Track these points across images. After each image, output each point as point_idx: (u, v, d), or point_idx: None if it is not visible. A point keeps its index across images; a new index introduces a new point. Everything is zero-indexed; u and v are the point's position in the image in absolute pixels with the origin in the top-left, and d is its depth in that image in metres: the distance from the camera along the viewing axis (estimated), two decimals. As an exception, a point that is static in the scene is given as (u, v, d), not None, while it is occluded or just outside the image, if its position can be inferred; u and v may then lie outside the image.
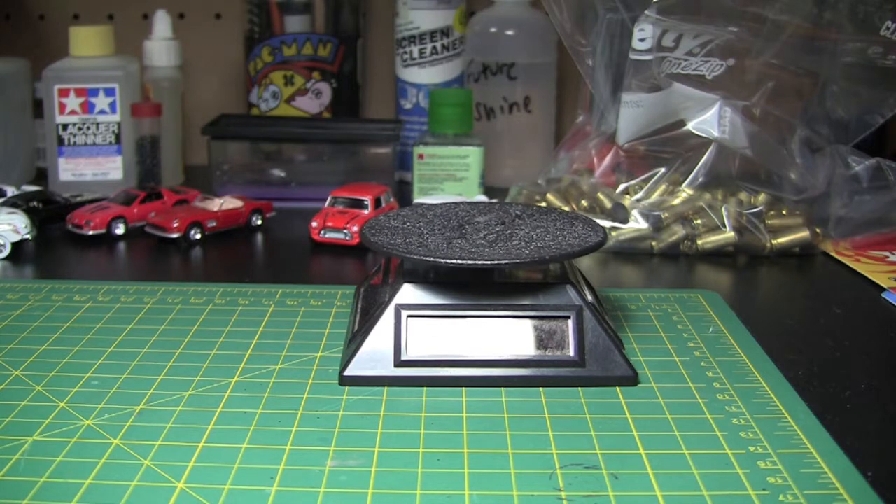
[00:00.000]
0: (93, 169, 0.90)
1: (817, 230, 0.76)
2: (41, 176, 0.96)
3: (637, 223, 0.75)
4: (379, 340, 0.51)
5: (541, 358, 0.50)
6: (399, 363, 0.50)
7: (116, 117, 0.89)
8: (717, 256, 0.75)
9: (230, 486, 0.41)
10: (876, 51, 0.76)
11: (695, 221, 0.75)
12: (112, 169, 0.90)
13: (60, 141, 0.89)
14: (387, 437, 0.45)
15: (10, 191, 0.82)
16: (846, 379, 0.53)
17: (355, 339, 0.52)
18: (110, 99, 0.89)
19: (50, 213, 0.80)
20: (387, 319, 0.51)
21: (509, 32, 0.94)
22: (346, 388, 0.50)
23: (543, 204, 0.80)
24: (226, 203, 0.80)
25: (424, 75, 0.96)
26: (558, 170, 0.85)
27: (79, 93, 0.88)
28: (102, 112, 0.89)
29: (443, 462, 0.43)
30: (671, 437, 0.45)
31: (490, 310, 0.51)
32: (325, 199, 0.80)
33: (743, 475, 0.42)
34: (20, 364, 0.53)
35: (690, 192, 0.77)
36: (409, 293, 0.52)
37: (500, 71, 0.93)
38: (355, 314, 0.57)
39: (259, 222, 0.82)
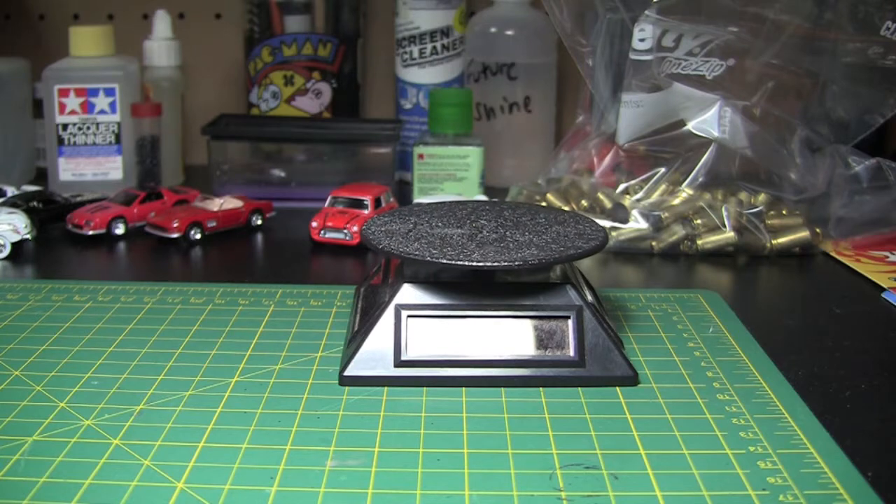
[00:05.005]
0: (93, 169, 0.90)
1: (817, 230, 0.76)
2: (41, 176, 0.96)
3: (637, 223, 0.75)
4: (379, 340, 0.51)
5: (541, 358, 0.50)
6: (399, 363, 0.50)
7: (116, 117, 0.89)
8: (717, 256, 0.75)
9: (230, 486, 0.41)
10: (876, 51, 0.76)
11: (695, 221, 0.75)
12: (112, 169, 0.90)
13: (60, 141, 0.89)
14: (387, 437, 0.45)
15: (10, 191, 0.82)
16: (846, 379, 0.53)
17: (355, 339, 0.52)
18: (110, 99, 0.89)
19: (50, 213, 0.80)
20: (387, 319, 0.51)
21: (509, 32, 0.94)
22: (346, 388, 0.50)
23: (543, 204, 0.80)
24: (226, 203, 0.80)
25: (424, 75, 0.96)
26: (558, 170, 0.85)
27: (79, 93, 0.88)
28: (102, 112, 0.89)
29: (443, 462, 0.43)
30: (671, 437, 0.45)
31: (490, 310, 0.51)
32: (325, 199, 0.80)
33: (743, 475, 0.42)
34: (20, 364, 0.53)
35: (690, 192, 0.77)
36: (409, 293, 0.52)
37: (500, 71, 0.93)
38: (355, 314, 0.57)
39: (259, 222, 0.82)
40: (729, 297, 0.65)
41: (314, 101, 0.98)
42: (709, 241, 0.75)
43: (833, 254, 0.75)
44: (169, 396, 0.49)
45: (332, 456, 0.43)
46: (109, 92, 0.89)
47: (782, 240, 0.75)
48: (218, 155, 0.90)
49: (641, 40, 0.77)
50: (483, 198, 0.82)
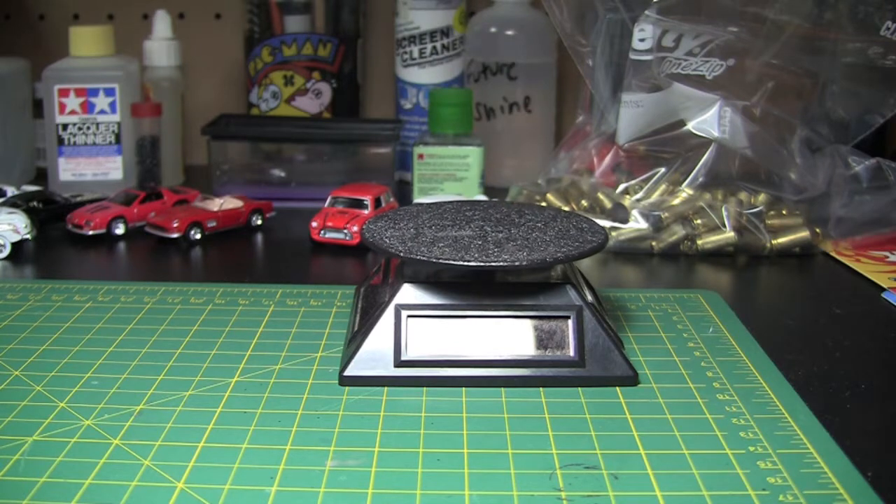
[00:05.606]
0: (93, 169, 0.90)
1: (817, 230, 0.76)
2: (41, 176, 0.96)
3: (637, 223, 0.75)
4: (379, 340, 0.51)
5: (541, 358, 0.50)
6: (399, 363, 0.50)
7: (116, 117, 0.89)
8: (717, 256, 0.75)
9: (230, 486, 0.41)
10: (876, 51, 0.76)
11: (695, 221, 0.75)
12: (112, 169, 0.90)
13: (60, 141, 0.89)
14: (387, 437, 0.45)
15: (10, 191, 0.82)
16: (846, 379, 0.53)
17: (355, 339, 0.52)
18: (110, 99, 0.89)
19: (50, 213, 0.80)
20: (387, 319, 0.51)
21: (509, 32, 0.94)
22: (346, 388, 0.50)
23: (543, 204, 0.80)
24: (226, 203, 0.80)
25: (424, 75, 0.96)
26: (558, 170, 0.85)
27: (79, 93, 0.88)
28: (102, 112, 0.89)
29: (443, 462, 0.43)
30: (671, 437, 0.45)
31: (490, 310, 0.51)
32: (325, 199, 0.80)
33: (743, 475, 0.42)
34: (20, 364, 0.53)
35: (690, 192, 0.77)
36: (409, 293, 0.52)
37: (500, 71, 0.93)
38: (355, 314, 0.57)
39: (259, 222, 0.82)
40: (729, 297, 0.65)
41: (314, 101, 0.98)
42: (709, 241, 0.75)
43: (833, 254, 0.75)
44: (169, 396, 0.49)
45: (332, 456, 0.43)
46: (109, 92, 0.89)
47: (782, 240, 0.75)
48: (218, 155, 0.90)
49: (641, 40, 0.77)
50: (483, 198, 0.82)
